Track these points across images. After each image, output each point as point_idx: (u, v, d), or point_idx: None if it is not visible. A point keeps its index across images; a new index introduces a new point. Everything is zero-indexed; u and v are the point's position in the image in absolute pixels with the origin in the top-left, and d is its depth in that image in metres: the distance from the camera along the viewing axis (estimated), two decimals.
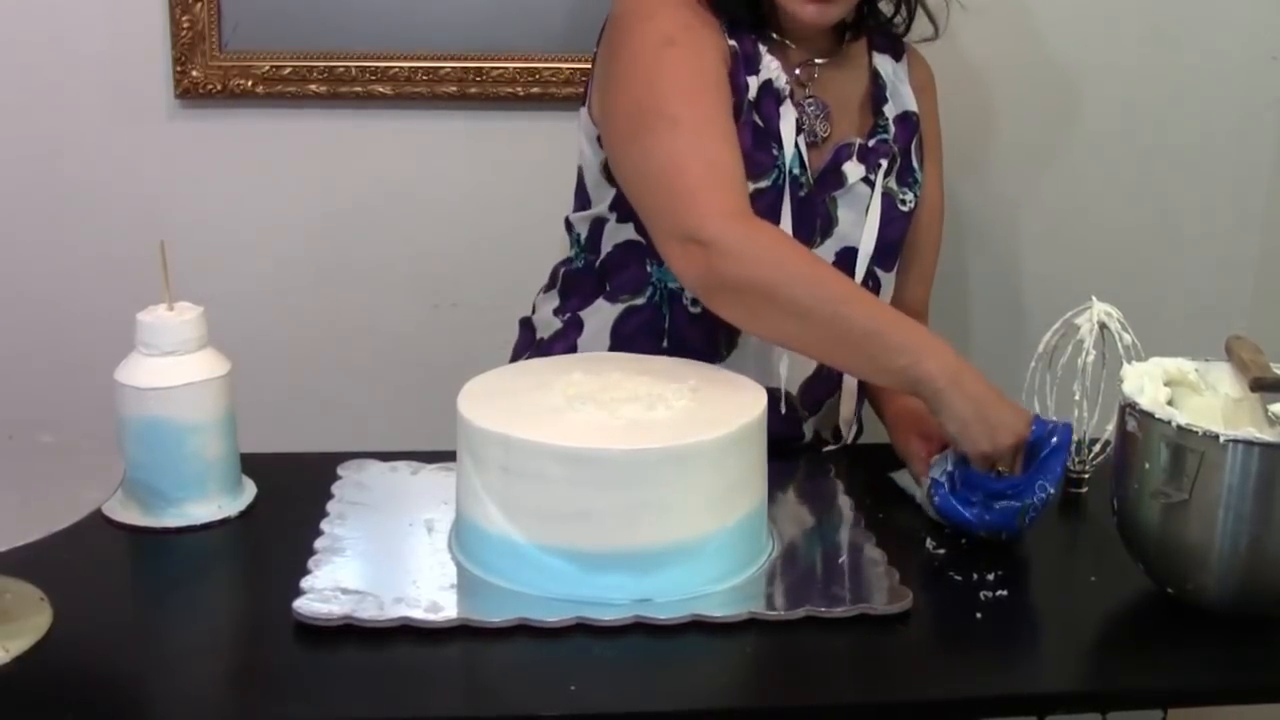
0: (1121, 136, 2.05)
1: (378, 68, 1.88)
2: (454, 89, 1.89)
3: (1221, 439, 1.12)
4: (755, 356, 1.48)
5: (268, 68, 1.87)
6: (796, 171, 1.47)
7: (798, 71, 1.51)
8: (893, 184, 1.54)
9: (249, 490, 1.37)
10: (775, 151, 1.46)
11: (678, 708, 1.07)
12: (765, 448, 1.26)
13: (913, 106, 1.58)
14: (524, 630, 1.13)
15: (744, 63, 1.45)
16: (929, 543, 1.31)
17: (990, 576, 1.24)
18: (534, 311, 1.64)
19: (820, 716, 1.11)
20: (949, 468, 1.31)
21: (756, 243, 1.33)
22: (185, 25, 1.83)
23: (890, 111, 1.56)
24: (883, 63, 1.57)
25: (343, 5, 1.86)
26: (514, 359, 1.64)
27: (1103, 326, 1.34)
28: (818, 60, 1.52)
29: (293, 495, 1.36)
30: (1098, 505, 1.27)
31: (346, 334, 1.99)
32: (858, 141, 1.52)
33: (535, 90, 1.89)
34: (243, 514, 1.34)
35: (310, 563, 1.20)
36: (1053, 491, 1.27)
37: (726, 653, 1.13)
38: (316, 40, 1.87)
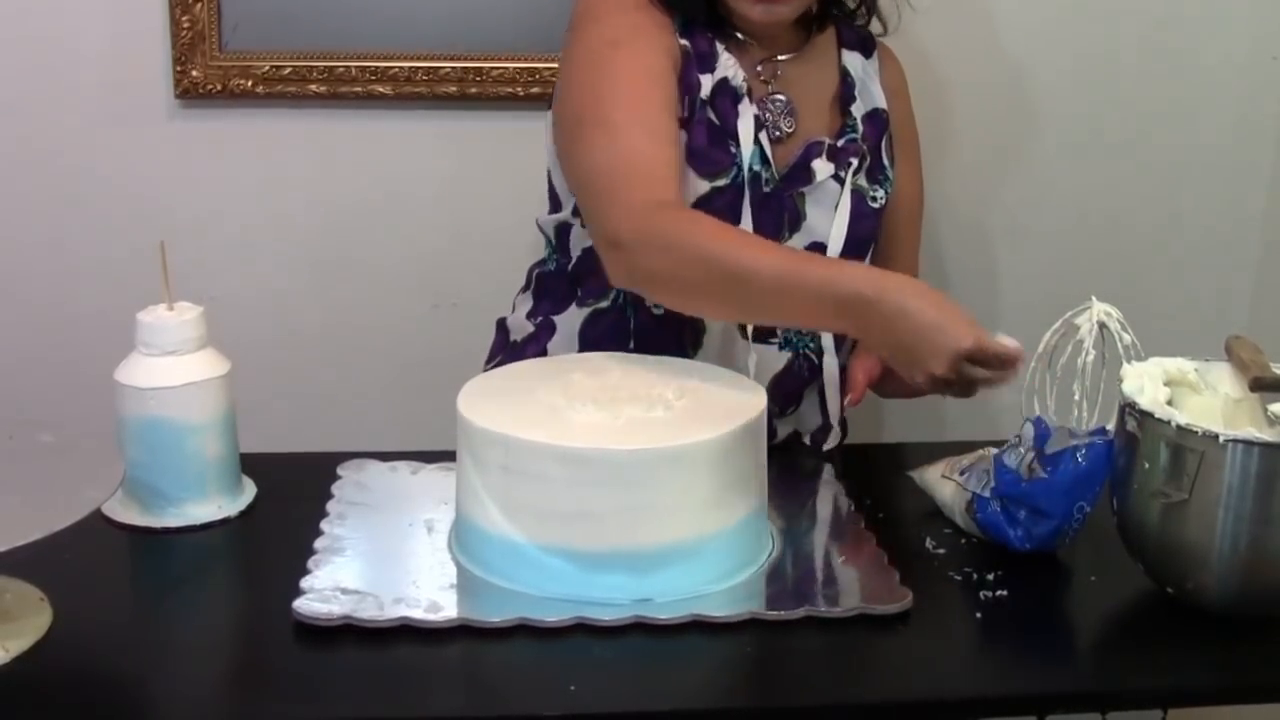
0: (1122, 136, 2.05)
1: (378, 68, 1.88)
2: (454, 89, 1.89)
3: (1221, 439, 1.12)
4: (720, 354, 1.49)
5: (268, 68, 1.87)
6: (757, 168, 1.47)
7: (760, 68, 1.51)
8: (863, 182, 1.54)
9: (249, 490, 1.37)
10: (733, 149, 1.46)
11: (678, 708, 1.07)
12: (765, 447, 1.26)
13: (882, 104, 1.58)
14: (524, 630, 1.13)
15: (697, 61, 1.46)
16: (929, 543, 1.31)
17: (990, 576, 1.24)
18: (513, 311, 1.65)
19: (820, 716, 1.11)
20: (991, 482, 1.30)
21: (661, 234, 1.33)
22: (185, 25, 1.84)
23: (859, 110, 1.56)
24: (852, 60, 1.57)
25: (343, 5, 1.86)
26: (489, 361, 1.65)
27: (1102, 326, 1.34)
28: (781, 57, 1.52)
29: (293, 495, 1.36)
30: (1098, 505, 1.27)
31: (346, 334, 1.99)
32: (827, 141, 1.52)
33: (535, 90, 1.89)
34: (243, 514, 1.34)
35: (310, 563, 1.20)
36: (1090, 511, 1.27)
37: (726, 653, 1.13)
38: (316, 40, 1.87)
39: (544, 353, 1.54)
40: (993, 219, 2.07)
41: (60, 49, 1.85)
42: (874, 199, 1.55)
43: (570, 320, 1.55)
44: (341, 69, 1.88)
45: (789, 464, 1.46)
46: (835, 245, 1.51)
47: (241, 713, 1.07)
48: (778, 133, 1.51)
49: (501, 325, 1.66)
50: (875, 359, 1.47)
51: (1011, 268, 2.09)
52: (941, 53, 1.98)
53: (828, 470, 1.45)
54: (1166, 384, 1.24)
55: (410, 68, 1.88)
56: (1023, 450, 1.28)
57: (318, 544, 1.24)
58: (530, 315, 1.59)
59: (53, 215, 1.91)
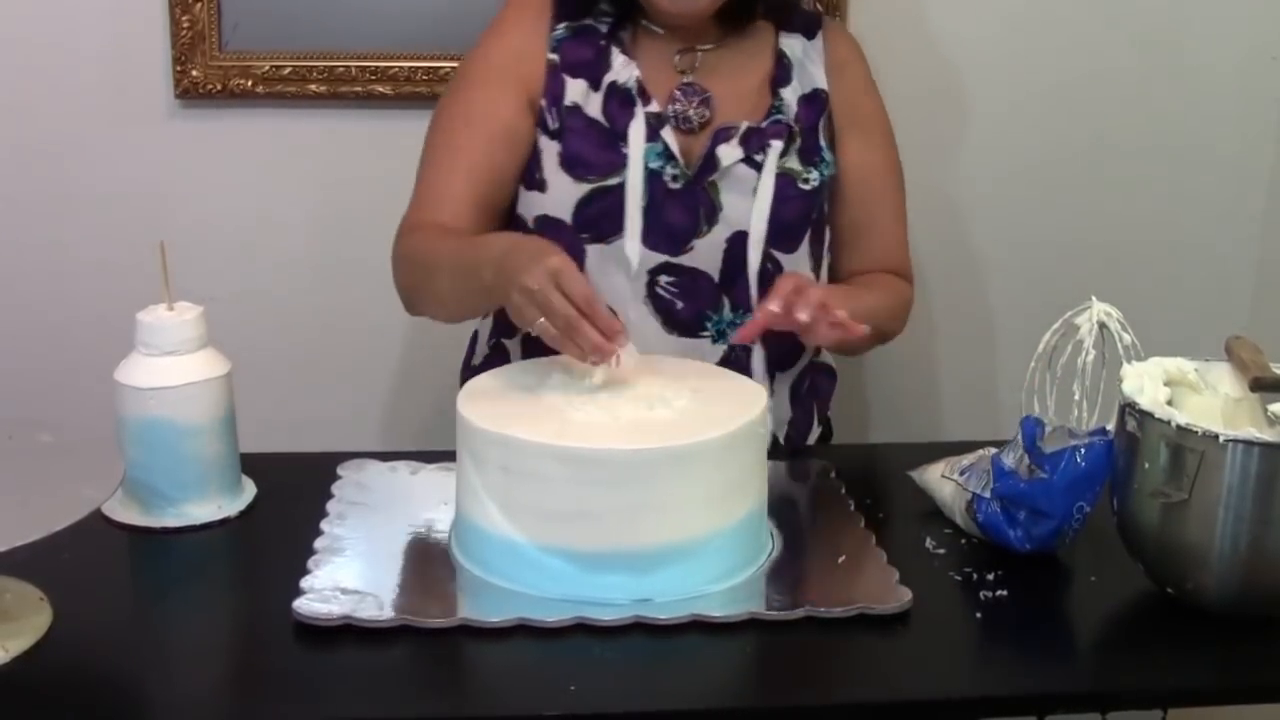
0: (1122, 136, 2.05)
1: (378, 68, 1.88)
2: None
3: (1221, 439, 1.12)
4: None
5: (268, 68, 1.87)
6: (657, 165, 1.48)
7: (677, 58, 1.52)
8: (794, 164, 1.52)
9: (249, 490, 1.37)
10: (625, 150, 1.47)
11: (678, 708, 1.07)
12: (765, 447, 1.26)
13: (822, 85, 1.56)
14: (524, 630, 1.13)
15: (568, 70, 1.49)
16: (929, 543, 1.31)
17: (990, 576, 1.24)
18: (484, 316, 1.64)
19: (820, 716, 1.11)
20: (994, 484, 1.30)
21: (394, 257, 1.50)
22: (185, 25, 1.84)
23: (792, 92, 1.54)
24: (791, 43, 1.56)
25: (343, 5, 1.86)
26: (462, 373, 1.65)
27: (1102, 326, 1.34)
28: (702, 47, 1.53)
29: (293, 495, 1.36)
30: (1098, 505, 1.27)
31: (346, 334, 1.99)
32: (744, 124, 1.51)
33: None
34: (243, 514, 1.34)
35: (310, 563, 1.20)
36: (1090, 511, 1.27)
37: (726, 653, 1.13)
38: (316, 40, 1.87)
39: None
40: (993, 219, 2.07)
41: (60, 49, 1.85)
42: (806, 181, 1.52)
43: (515, 347, 1.57)
44: (341, 69, 1.88)
45: (790, 464, 1.46)
46: (757, 232, 1.49)
47: (241, 713, 1.07)
48: (688, 124, 1.50)
49: (474, 339, 1.66)
50: (780, 304, 1.37)
51: (1011, 268, 2.09)
52: (942, 52, 1.98)
53: (828, 470, 1.45)
54: (1166, 384, 1.24)
55: (410, 68, 1.88)
56: (1020, 450, 1.28)
57: (318, 544, 1.24)
58: (490, 337, 1.61)
59: (52, 215, 1.91)
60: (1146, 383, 1.22)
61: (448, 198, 1.49)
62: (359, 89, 1.89)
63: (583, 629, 1.13)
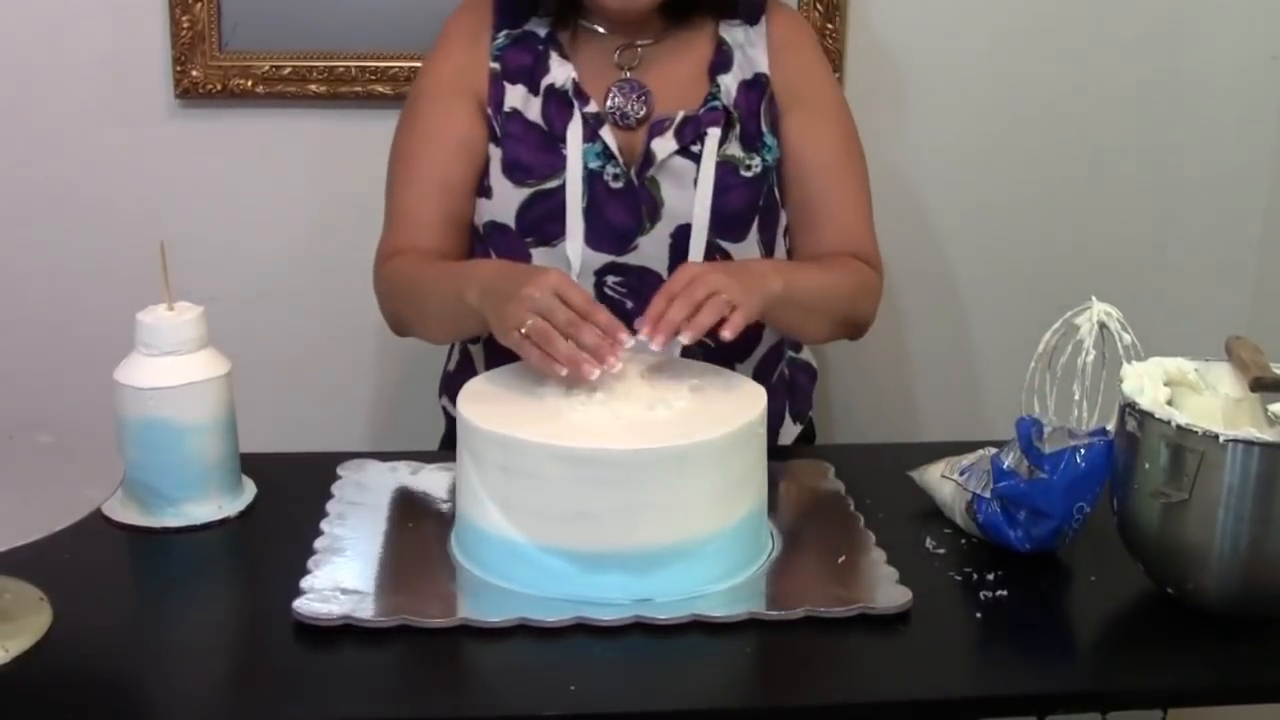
0: (1122, 136, 2.05)
1: (378, 68, 1.88)
2: None
3: (1221, 439, 1.12)
4: None
5: (268, 68, 1.87)
6: (596, 165, 1.48)
7: (617, 55, 1.52)
8: (735, 151, 1.51)
9: (249, 490, 1.37)
10: (564, 151, 1.48)
11: (678, 708, 1.07)
12: (765, 447, 1.26)
13: (763, 69, 1.54)
14: (524, 630, 1.13)
15: (507, 76, 1.51)
16: (929, 543, 1.31)
17: (990, 576, 1.24)
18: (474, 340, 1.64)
19: (820, 716, 1.11)
20: (994, 484, 1.29)
21: (379, 283, 1.54)
22: (185, 25, 1.84)
23: (732, 78, 1.53)
24: (731, 31, 1.55)
25: (343, 5, 1.86)
26: (441, 379, 1.66)
27: (1102, 326, 1.34)
28: (642, 43, 1.52)
29: (293, 495, 1.36)
30: (1098, 505, 1.27)
31: (347, 333, 1.99)
32: (680, 114, 1.50)
33: None
34: (243, 514, 1.34)
35: (310, 563, 1.20)
36: (1090, 511, 1.26)
37: (726, 653, 1.13)
38: (316, 40, 1.87)
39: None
40: (993, 219, 2.07)
41: (60, 49, 1.85)
42: (748, 168, 1.51)
43: (479, 352, 1.57)
44: (341, 69, 1.88)
45: (790, 464, 1.46)
46: (700, 223, 1.48)
47: (241, 713, 1.07)
48: (627, 120, 1.50)
49: (451, 345, 1.66)
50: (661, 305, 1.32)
51: (1011, 268, 2.08)
52: (941, 55, 1.98)
53: (827, 470, 1.45)
54: (1166, 384, 1.24)
55: (410, 68, 1.88)
56: (1018, 450, 1.28)
57: (318, 544, 1.24)
58: (462, 342, 1.61)
59: (52, 215, 1.91)
60: (1146, 383, 1.22)
61: (420, 220, 1.51)
62: (359, 89, 1.89)
63: (583, 629, 1.13)
